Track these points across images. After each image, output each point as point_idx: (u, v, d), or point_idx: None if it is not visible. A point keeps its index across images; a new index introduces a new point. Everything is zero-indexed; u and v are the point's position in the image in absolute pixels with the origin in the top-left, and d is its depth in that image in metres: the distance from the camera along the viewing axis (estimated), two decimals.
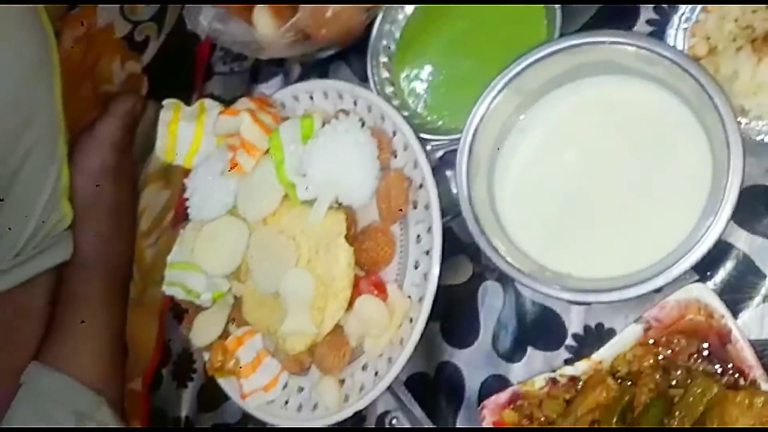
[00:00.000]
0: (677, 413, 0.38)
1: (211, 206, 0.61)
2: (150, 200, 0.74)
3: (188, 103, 0.68)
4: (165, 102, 0.67)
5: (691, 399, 0.38)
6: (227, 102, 0.64)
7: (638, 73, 0.44)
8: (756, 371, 0.38)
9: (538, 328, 0.48)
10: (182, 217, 0.65)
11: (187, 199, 0.64)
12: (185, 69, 0.74)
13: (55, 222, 0.65)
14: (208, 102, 0.67)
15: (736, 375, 0.39)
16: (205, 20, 0.60)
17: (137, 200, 0.74)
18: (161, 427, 0.68)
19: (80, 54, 0.86)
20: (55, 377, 0.66)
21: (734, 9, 0.41)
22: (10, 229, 0.61)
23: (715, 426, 0.37)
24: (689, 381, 0.39)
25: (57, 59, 0.67)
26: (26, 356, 0.67)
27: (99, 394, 0.67)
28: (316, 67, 0.63)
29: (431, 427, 0.49)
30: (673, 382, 0.40)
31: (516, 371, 0.48)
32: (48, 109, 0.64)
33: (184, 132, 0.66)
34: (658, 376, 0.40)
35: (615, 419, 0.39)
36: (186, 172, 0.66)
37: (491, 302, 0.51)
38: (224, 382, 0.61)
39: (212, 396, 0.64)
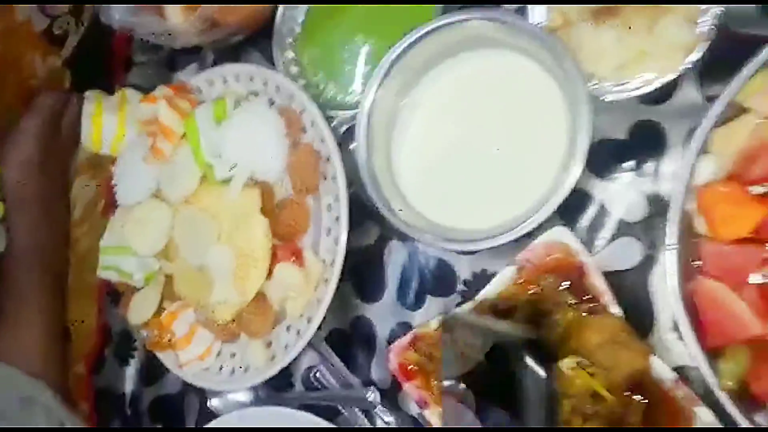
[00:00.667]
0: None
1: (137, 191, 0.64)
2: (81, 190, 0.76)
3: (110, 93, 0.71)
4: (87, 94, 0.70)
5: (554, 325, 0.44)
6: (147, 90, 0.67)
7: (507, 45, 0.50)
8: (606, 297, 0.44)
9: (435, 278, 0.54)
10: (112, 203, 0.68)
11: (115, 186, 0.67)
12: (105, 61, 0.76)
13: None
14: (128, 92, 0.70)
15: (593, 303, 0.45)
16: (117, 13, 0.62)
17: (68, 191, 0.76)
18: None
19: (1, 49, 0.86)
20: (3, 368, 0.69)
21: None
22: None
23: (572, 345, 0.44)
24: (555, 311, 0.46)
25: None
26: None
27: (40, 379, 0.70)
28: (229, 53, 0.66)
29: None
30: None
31: (417, 318, 0.54)
32: None
33: (108, 122, 0.69)
34: (530, 309, 0.47)
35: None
36: (113, 161, 0.69)
37: (395, 260, 0.56)
38: (163, 356, 0.65)
39: (153, 370, 0.68)
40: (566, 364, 0.44)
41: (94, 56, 0.78)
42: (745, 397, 0.40)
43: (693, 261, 0.42)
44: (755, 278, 0.40)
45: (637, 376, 0.43)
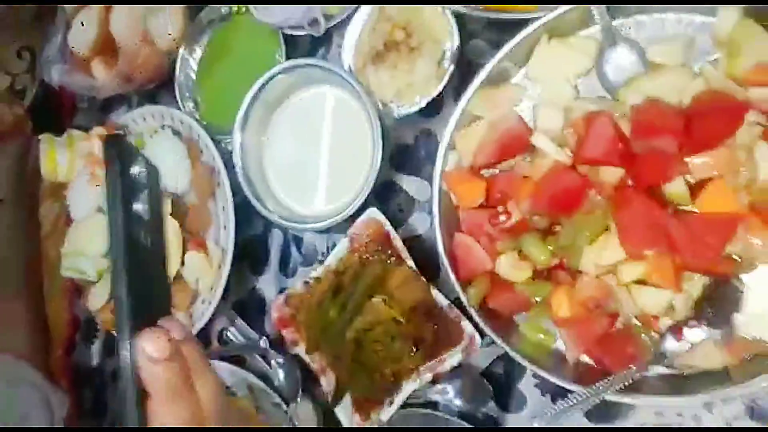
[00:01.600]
0: (359, 284, 0.64)
1: (85, 208, 0.83)
2: (47, 211, 0.95)
3: (61, 134, 0.90)
4: (42, 137, 0.90)
5: (363, 275, 0.64)
6: (88, 130, 0.86)
7: (329, 82, 0.69)
8: (403, 254, 0.64)
9: (303, 254, 0.74)
10: (69, 219, 0.87)
11: (69, 205, 0.87)
12: (56, 108, 0.95)
13: None
14: (74, 132, 0.89)
15: (396, 259, 0.64)
16: (56, 74, 0.82)
17: (37, 212, 0.96)
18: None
19: None
20: None
21: (365, 36, 0.65)
22: None
23: (382, 288, 0.63)
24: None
25: None
26: None
27: (28, 362, 0.89)
28: (148, 96, 0.86)
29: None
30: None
31: (292, 283, 0.73)
32: None
33: (61, 157, 0.88)
34: (358, 268, 0.66)
35: (332, 294, 0.65)
36: (67, 186, 0.89)
37: (276, 243, 0.76)
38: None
39: (111, 344, 0.88)
40: (375, 300, 0.64)
41: (47, 105, 0.97)
42: (486, 310, 0.60)
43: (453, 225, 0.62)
44: (487, 230, 0.59)
45: (424, 304, 0.63)
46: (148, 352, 0.33)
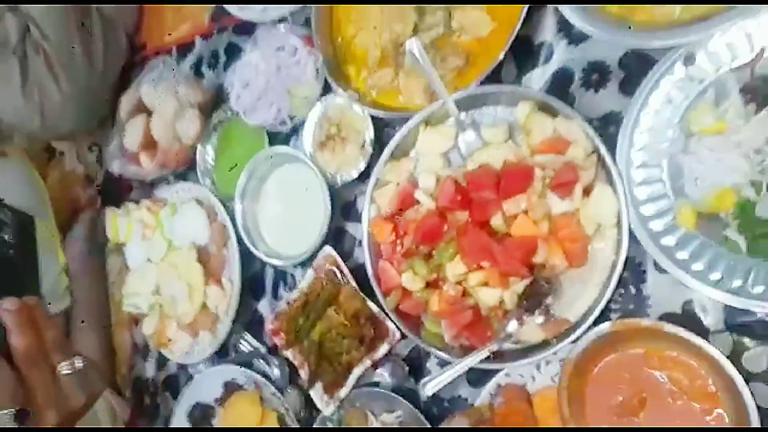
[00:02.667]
0: (319, 300, 0.93)
1: (138, 259, 1.17)
2: (112, 264, 1.29)
3: (119, 207, 1.24)
4: (106, 209, 1.24)
5: (322, 293, 0.92)
6: (138, 203, 1.20)
7: (297, 161, 1.00)
8: (349, 278, 0.92)
9: (287, 283, 1.03)
10: (127, 269, 1.20)
11: (126, 259, 1.20)
12: (118, 188, 1.30)
13: (60, 286, 1.20)
14: (130, 205, 1.23)
15: (345, 281, 0.93)
16: (116, 166, 1.17)
17: (105, 266, 1.29)
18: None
19: (59, 188, 1.42)
20: None
21: (314, 131, 0.96)
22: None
23: (335, 303, 0.92)
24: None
25: (47, 197, 1.24)
26: None
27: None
28: (180, 176, 1.19)
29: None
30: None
31: (280, 304, 1.02)
32: (50, 230, 1.21)
33: (120, 224, 1.22)
34: (320, 289, 0.95)
35: (302, 308, 0.94)
36: (125, 245, 1.22)
37: (270, 276, 1.05)
38: (164, 351, 1.16)
39: (161, 360, 1.19)
40: (329, 311, 0.92)
41: (110, 187, 1.32)
42: (400, 313, 0.87)
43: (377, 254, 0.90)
44: (395, 257, 0.87)
45: (362, 312, 0.91)
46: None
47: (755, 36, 0.67)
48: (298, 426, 0.97)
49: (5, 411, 0.57)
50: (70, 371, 0.62)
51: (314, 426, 0.96)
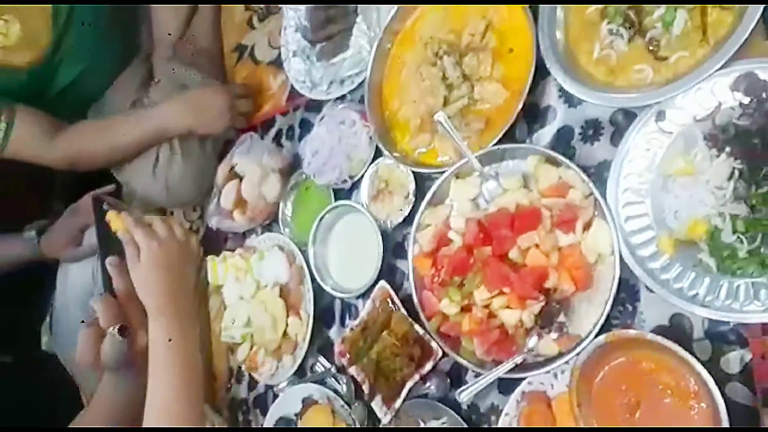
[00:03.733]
0: (375, 325, 1.12)
1: (233, 297, 1.41)
2: (213, 303, 1.55)
3: (218, 254, 1.50)
4: (207, 257, 1.50)
5: (377, 320, 1.11)
6: (233, 250, 1.45)
7: (356, 211, 1.21)
8: (399, 305, 1.10)
9: (352, 312, 1.23)
10: (225, 306, 1.45)
11: (224, 297, 1.45)
12: (215, 240, 1.57)
13: None
14: (227, 253, 1.49)
15: (396, 308, 1.11)
16: (214, 222, 1.43)
17: (207, 305, 1.55)
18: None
19: None
20: None
21: (368, 186, 1.18)
22: None
23: (387, 328, 1.10)
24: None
25: None
26: None
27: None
28: (266, 227, 1.43)
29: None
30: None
31: (347, 331, 1.22)
32: None
33: (219, 269, 1.47)
34: (376, 316, 1.14)
35: (361, 332, 1.13)
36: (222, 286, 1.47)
37: (338, 308, 1.26)
38: (254, 374, 1.38)
39: (252, 382, 1.41)
40: (384, 334, 1.11)
41: (209, 238, 1.59)
42: (441, 334, 1.04)
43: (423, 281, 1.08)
44: (436, 288, 1.05)
45: (411, 334, 1.08)
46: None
47: (713, 93, 0.82)
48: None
49: (113, 327, 0.86)
50: None
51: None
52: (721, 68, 0.80)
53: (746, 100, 0.79)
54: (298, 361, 1.28)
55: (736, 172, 0.78)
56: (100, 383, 0.98)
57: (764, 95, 0.78)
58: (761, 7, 0.78)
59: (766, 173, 0.76)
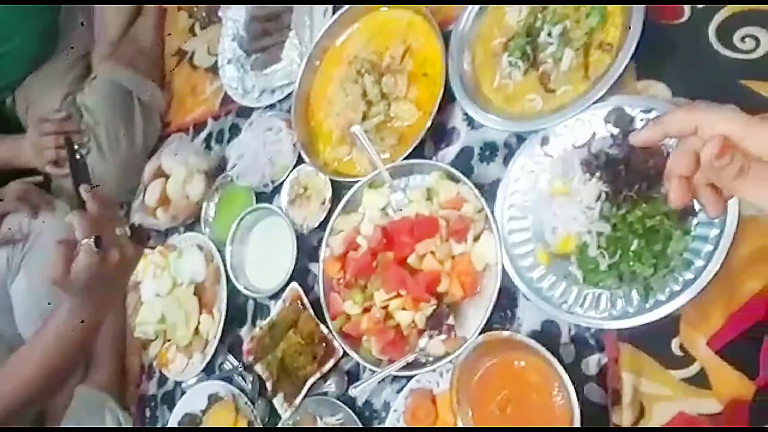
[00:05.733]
0: (282, 323, 1.16)
1: (149, 293, 1.43)
2: (130, 299, 1.55)
3: None
4: None
5: (285, 319, 1.16)
6: (154, 248, 1.47)
7: (275, 215, 1.27)
8: (307, 304, 1.16)
9: (264, 312, 1.27)
10: (141, 302, 1.46)
11: (142, 293, 1.46)
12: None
13: None
14: (148, 251, 1.51)
15: (303, 308, 1.17)
16: (137, 218, 1.46)
17: (125, 301, 1.56)
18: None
19: None
20: (89, 389, 1.45)
21: (288, 190, 1.23)
22: None
23: (293, 327, 1.15)
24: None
25: None
26: (75, 382, 1.46)
27: (110, 394, 1.45)
28: (188, 227, 1.47)
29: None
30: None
31: (256, 330, 1.26)
32: None
33: (139, 265, 1.49)
34: (286, 315, 1.19)
35: (269, 330, 1.18)
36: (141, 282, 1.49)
37: (250, 307, 1.30)
38: (164, 370, 1.40)
39: (162, 379, 1.42)
40: (290, 332, 1.16)
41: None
42: (344, 334, 1.09)
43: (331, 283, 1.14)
44: (342, 289, 1.11)
45: (316, 333, 1.14)
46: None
47: (590, 123, 0.93)
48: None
49: (89, 238, 0.90)
50: (121, 233, 0.97)
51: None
52: (597, 102, 0.91)
53: (615, 131, 0.90)
54: (208, 359, 1.31)
55: (603, 195, 0.88)
56: (54, 312, 1.01)
57: (630, 128, 0.88)
58: (633, 49, 0.89)
59: (626, 197, 0.86)
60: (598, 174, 0.90)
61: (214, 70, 1.56)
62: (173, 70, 1.68)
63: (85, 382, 1.46)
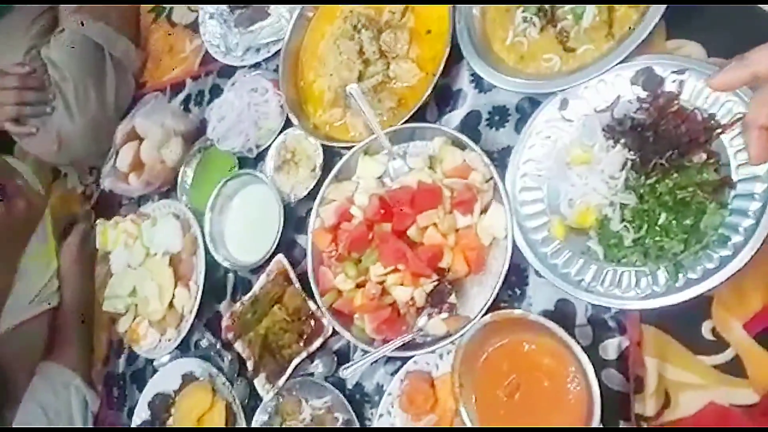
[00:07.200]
0: (266, 298, 1.07)
1: (120, 265, 1.32)
2: (100, 271, 1.44)
3: (109, 219, 1.40)
4: (98, 221, 1.40)
5: (269, 293, 1.07)
6: (126, 216, 1.36)
7: (259, 182, 1.16)
8: (294, 279, 1.07)
9: (245, 287, 1.18)
10: (111, 274, 1.35)
11: (111, 265, 1.35)
12: (110, 203, 1.47)
13: (51, 286, 1.36)
14: (118, 218, 1.39)
15: (290, 283, 1.08)
16: (108, 183, 1.34)
17: (94, 272, 1.44)
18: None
19: (60, 203, 1.59)
20: (53, 366, 1.34)
21: (274, 156, 1.14)
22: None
23: (278, 302, 1.06)
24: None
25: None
26: (38, 358, 1.35)
27: (77, 371, 1.34)
28: (163, 194, 1.36)
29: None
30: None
31: (237, 306, 1.17)
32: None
33: (110, 234, 1.38)
34: (269, 290, 1.10)
35: (251, 305, 1.08)
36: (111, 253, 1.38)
37: (231, 281, 1.20)
38: (135, 347, 1.29)
39: (132, 357, 1.32)
40: (274, 308, 1.06)
41: (106, 203, 1.49)
42: (334, 311, 1.00)
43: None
44: (333, 263, 1.02)
45: (303, 309, 1.05)
46: None
47: (614, 85, 0.85)
48: (241, 413, 1.10)
49: None
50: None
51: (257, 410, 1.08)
52: (622, 62, 0.83)
53: (643, 94, 0.82)
54: (183, 335, 1.21)
55: (629, 163, 0.80)
56: None
57: (660, 91, 0.81)
58: (663, 7, 0.81)
59: (656, 164, 0.78)
60: (622, 141, 0.82)
61: (194, 27, 1.44)
62: (150, 26, 1.55)
63: (49, 359, 1.36)
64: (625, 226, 0.79)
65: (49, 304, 1.37)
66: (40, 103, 1.40)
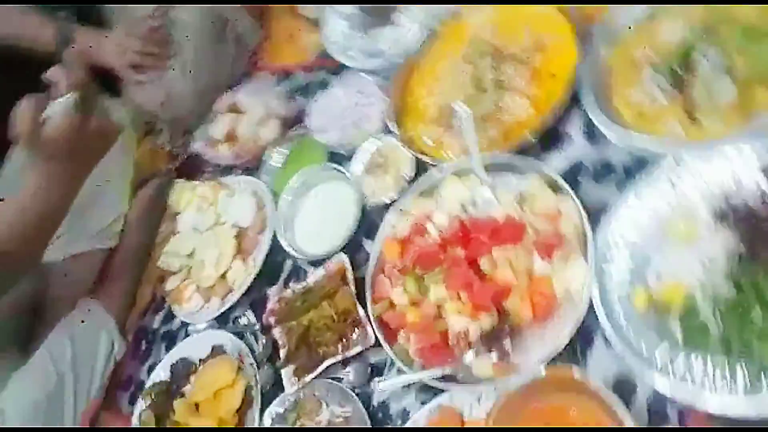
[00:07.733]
0: (318, 292, 1.05)
1: (187, 226, 1.34)
2: (164, 228, 1.46)
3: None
4: (177, 180, 1.43)
5: (323, 288, 1.05)
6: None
7: (343, 180, 1.16)
8: (350, 280, 1.04)
9: (300, 276, 1.16)
10: (176, 232, 1.37)
11: (177, 223, 1.37)
12: (196, 167, 1.50)
13: (115, 227, 1.38)
14: (197, 183, 1.42)
15: (345, 283, 1.05)
16: (197, 146, 1.37)
17: (158, 227, 1.47)
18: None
19: (147, 155, 1.64)
20: (95, 305, 1.35)
21: (365, 160, 1.13)
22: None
23: (329, 298, 1.04)
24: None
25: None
26: (82, 295, 1.37)
27: (113, 317, 1.34)
28: (246, 170, 1.38)
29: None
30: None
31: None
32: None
33: (184, 196, 1.40)
34: (324, 284, 1.08)
35: (302, 295, 1.07)
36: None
37: (287, 267, 1.19)
38: (175, 307, 1.29)
39: (169, 316, 1.32)
40: (324, 303, 1.04)
41: (190, 168, 1.52)
42: (381, 322, 0.97)
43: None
44: (395, 274, 0.99)
45: (351, 312, 1.02)
46: None
47: (739, 168, 0.79)
48: (259, 398, 1.07)
49: (73, 93, 0.86)
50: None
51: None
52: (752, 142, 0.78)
53: None
54: (226, 307, 1.20)
55: (735, 252, 0.75)
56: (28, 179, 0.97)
57: None
58: None
59: (765, 260, 0.72)
60: (731, 226, 0.77)
61: (316, 21, 1.48)
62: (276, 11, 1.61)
63: (92, 297, 1.37)
64: (714, 316, 0.73)
65: (109, 244, 1.38)
66: (161, 58, 1.46)
